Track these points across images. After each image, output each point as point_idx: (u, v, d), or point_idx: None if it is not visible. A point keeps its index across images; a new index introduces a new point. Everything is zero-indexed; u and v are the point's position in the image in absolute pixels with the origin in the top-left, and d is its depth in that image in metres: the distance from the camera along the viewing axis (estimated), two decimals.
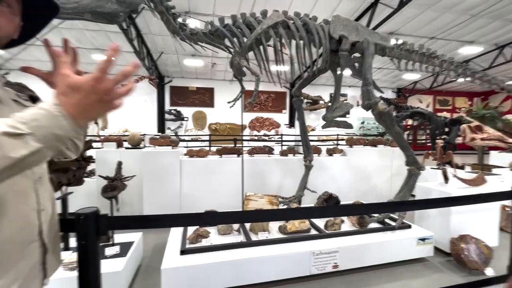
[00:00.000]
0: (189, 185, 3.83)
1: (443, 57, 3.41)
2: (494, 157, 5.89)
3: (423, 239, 2.70)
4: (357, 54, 3.04)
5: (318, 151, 4.44)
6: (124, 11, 2.07)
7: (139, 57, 8.25)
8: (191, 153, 4.02)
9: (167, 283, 2.11)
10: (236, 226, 2.80)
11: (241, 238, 2.65)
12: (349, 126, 3.17)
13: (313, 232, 2.80)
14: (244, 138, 10.67)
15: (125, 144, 4.25)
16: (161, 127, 11.37)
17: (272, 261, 2.37)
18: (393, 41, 3.27)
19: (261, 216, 1.74)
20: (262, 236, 2.67)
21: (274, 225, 2.90)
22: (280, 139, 9.92)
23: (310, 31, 2.74)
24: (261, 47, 2.72)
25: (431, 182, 3.52)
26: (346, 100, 12.83)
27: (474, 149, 5.45)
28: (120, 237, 2.57)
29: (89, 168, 3.28)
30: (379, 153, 4.72)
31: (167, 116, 11.62)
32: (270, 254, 2.38)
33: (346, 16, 7.63)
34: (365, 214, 2.74)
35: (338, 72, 3.08)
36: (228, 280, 2.26)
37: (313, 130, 11.62)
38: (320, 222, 2.96)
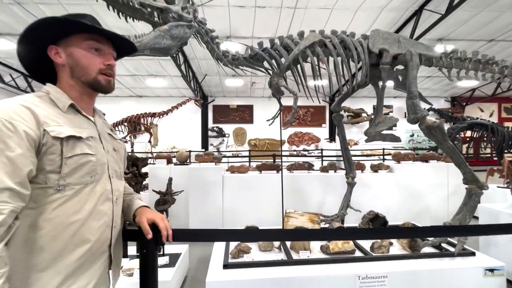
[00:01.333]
0: (231, 200, 3.97)
1: (504, 62, 3.07)
2: None
3: (491, 270, 2.35)
4: (400, 67, 2.93)
5: (361, 167, 4.25)
6: (177, 45, 2.36)
7: (186, 81, 9.03)
8: (232, 169, 4.19)
9: None
10: (276, 243, 2.80)
11: (281, 255, 2.64)
12: (396, 139, 3.01)
13: (358, 253, 2.65)
14: (283, 153, 10.69)
15: (174, 160, 4.63)
16: (205, 144, 12.04)
17: (315, 282, 2.30)
18: (441, 49, 3.07)
19: (303, 235, 1.75)
20: (303, 255, 2.62)
21: (315, 244, 2.83)
22: (320, 154, 9.71)
23: (348, 47, 2.74)
24: (298, 66, 2.80)
25: (498, 203, 3.09)
26: (391, 111, 12.08)
27: None
28: (168, 248, 2.77)
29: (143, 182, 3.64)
30: (432, 170, 4.31)
31: (210, 133, 12.29)
32: (312, 275, 2.32)
33: (387, 27, 7.41)
34: (416, 237, 2.51)
35: (380, 86, 2.99)
36: None
37: (356, 144, 11.10)
38: (366, 244, 2.79)
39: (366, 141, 3.14)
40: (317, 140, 12.40)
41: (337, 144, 11.97)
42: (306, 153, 10.97)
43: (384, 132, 2.93)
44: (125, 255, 2.59)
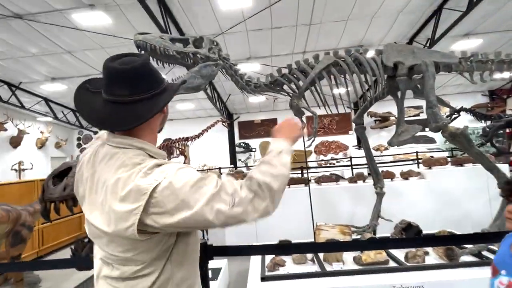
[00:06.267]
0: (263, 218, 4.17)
1: None
2: None
3: None
4: (418, 76, 2.99)
5: (391, 175, 4.22)
6: (206, 82, 2.70)
7: (212, 102, 9.61)
8: None
9: None
10: (309, 255, 2.93)
11: (315, 267, 2.75)
12: (430, 140, 2.98)
13: (392, 264, 2.67)
14: (311, 164, 10.70)
15: None
16: (233, 160, 12.47)
17: None
18: (462, 50, 3.07)
19: (335, 247, 1.89)
20: (336, 266, 2.71)
21: (348, 256, 2.90)
22: (349, 162, 9.56)
23: (362, 64, 2.89)
24: (316, 86, 3.00)
25: None
26: (421, 112, 11.56)
27: None
28: (210, 263, 3.02)
29: None
30: (468, 174, 4.13)
31: (237, 149, 12.72)
32: (346, 285, 2.41)
33: (405, 29, 7.34)
34: (450, 245, 2.49)
35: (399, 97, 3.06)
36: None
37: (386, 149, 10.75)
38: (400, 254, 2.81)
39: (398, 144, 3.16)
40: (345, 148, 12.21)
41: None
42: (334, 162, 10.86)
43: (418, 134, 2.93)
44: None
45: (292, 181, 4.33)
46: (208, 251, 1.28)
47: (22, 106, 9.32)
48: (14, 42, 6.32)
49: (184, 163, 8.30)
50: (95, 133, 13.20)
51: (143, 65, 0.81)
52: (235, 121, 12.85)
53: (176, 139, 7.64)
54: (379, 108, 11.44)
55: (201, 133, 8.02)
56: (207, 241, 1.32)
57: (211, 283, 2.60)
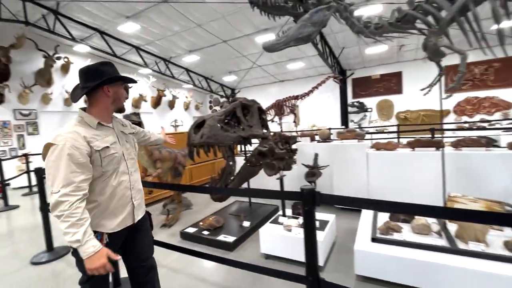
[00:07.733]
0: (377, 179, 3.82)
1: None
2: None
3: None
4: None
5: None
6: (317, 30, 2.52)
7: (323, 58, 9.02)
8: (378, 146, 3.97)
9: (359, 262, 2.36)
10: (435, 227, 2.51)
11: (442, 242, 2.35)
12: None
13: None
14: (447, 127, 8.57)
15: (316, 138, 4.96)
16: (345, 120, 11.71)
17: (489, 279, 1.92)
18: None
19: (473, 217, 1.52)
20: (474, 247, 2.21)
21: (496, 239, 2.29)
22: (509, 125, 7.02)
23: None
24: (468, 14, 2.22)
25: None
26: None
27: None
28: (318, 215, 3.14)
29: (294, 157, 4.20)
30: None
31: (350, 109, 11.78)
32: (485, 270, 1.95)
33: None
34: None
35: None
36: (421, 281, 2.13)
37: None
38: None
39: None
40: (505, 107, 8.94)
41: None
42: (486, 124, 8.21)
43: None
44: (284, 214, 3.22)
45: (419, 144, 3.65)
46: (316, 198, 1.32)
47: (173, 76, 11.94)
48: (164, 24, 7.93)
49: (294, 121, 8.53)
50: (222, 96, 15.44)
51: (90, 67, 1.41)
52: (348, 77, 11.73)
53: (285, 97, 7.83)
54: None
55: (311, 91, 7.81)
56: (315, 189, 1.35)
57: (319, 233, 2.73)
